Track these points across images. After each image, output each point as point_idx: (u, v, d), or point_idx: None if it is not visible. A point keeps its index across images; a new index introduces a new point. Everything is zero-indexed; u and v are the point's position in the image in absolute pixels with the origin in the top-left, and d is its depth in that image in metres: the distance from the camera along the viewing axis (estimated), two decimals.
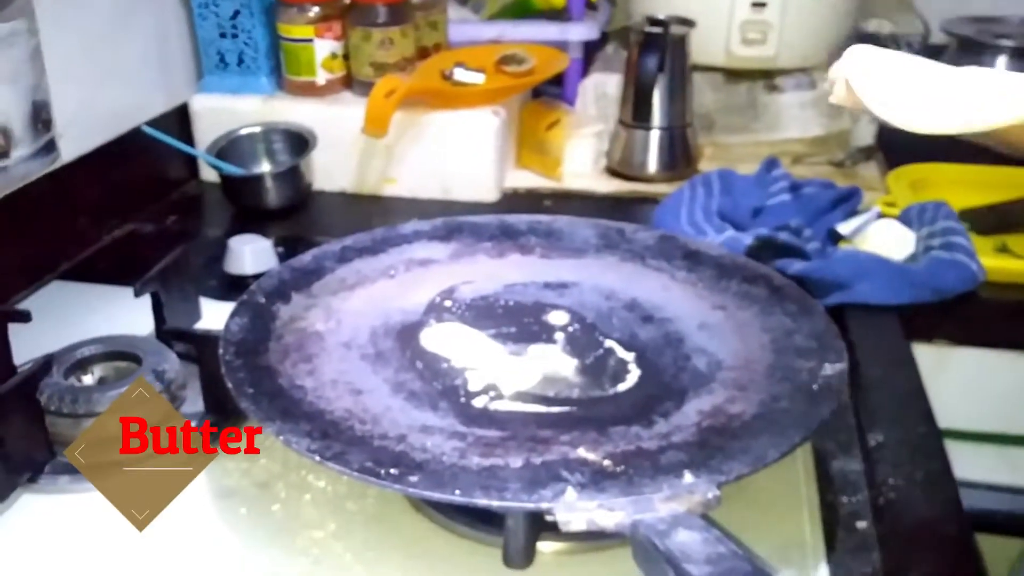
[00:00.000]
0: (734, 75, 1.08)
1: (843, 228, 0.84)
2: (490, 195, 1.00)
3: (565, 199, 1.01)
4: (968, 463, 0.63)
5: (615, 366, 0.59)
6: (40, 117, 0.82)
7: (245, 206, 0.97)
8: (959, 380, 0.76)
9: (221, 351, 0.56)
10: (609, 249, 0.71)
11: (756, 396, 0.54)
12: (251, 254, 0.81)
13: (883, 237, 0.82)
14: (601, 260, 0.71)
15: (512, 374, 0.58)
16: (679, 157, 1.03)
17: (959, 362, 0.77)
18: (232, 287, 0.80)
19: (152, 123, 0.96)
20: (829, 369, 0.55)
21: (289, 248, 0.85)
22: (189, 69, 1.05)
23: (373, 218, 0.97)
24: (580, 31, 1.10)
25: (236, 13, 1.00)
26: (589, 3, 1.12)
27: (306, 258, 0.68)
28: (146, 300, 0.69)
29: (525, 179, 1.04)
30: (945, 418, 0.63)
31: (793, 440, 0.49)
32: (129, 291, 0.69)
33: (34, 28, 0.81)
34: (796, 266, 0.76)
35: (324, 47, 0.99)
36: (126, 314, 0.71)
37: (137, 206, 0.96)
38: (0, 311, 0.68)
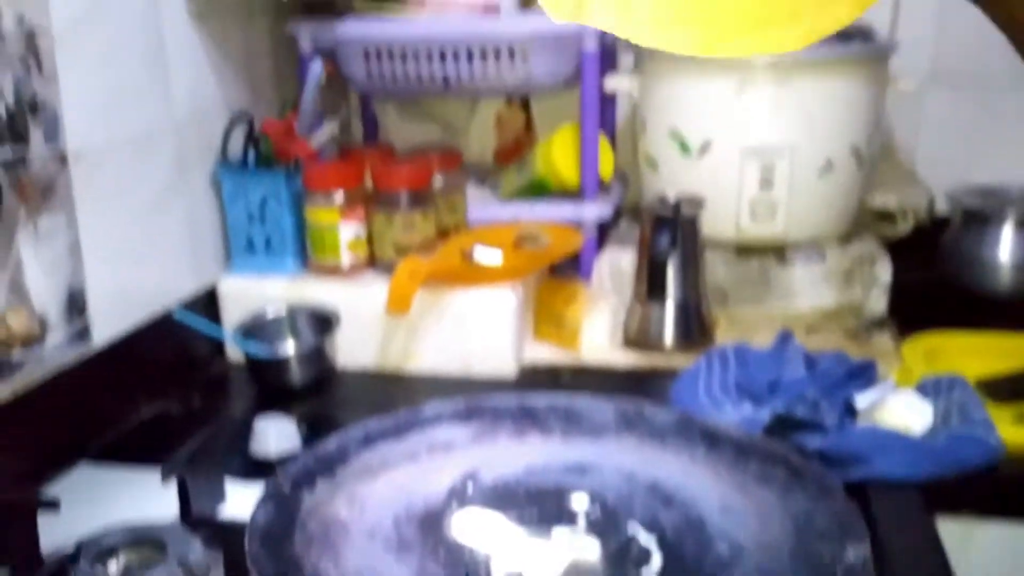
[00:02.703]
0: (745, 250, 1.11)
1: (860, 402, 0.85)
2: (509, 370, 1.01)
3: (583, 373, 1.02)
4: None
5: (638, 551, 0.59)
6: (75, 304, 0.86)
7: (270, 386, 0.99)
8: (986, 554, 0.75)
9: (247, 542, 0.57)
10: (629, 429, 0.72)
11: None
12: (275, 435, 0.82)
13: (901, 410, 0.83)
14: (621, 441, 0.71)
15: (536, 561, 0.58)
16: (695, 330, 1.05)
17: (985, 536, 0.76)
18: (257, 468, 0.81)
19: (181, 305, 0.99)
20: (852, 555, 0.55)
21: (313, 428, 0.86)
22: (218, 252, 1.10)
23: (395, 395, 0.99)
24: (594, 210, 1.14)
25: (265, 200, 1.05)
26: (602, 183, 1.17)
27: (330, 444, 0.69)
28: (171, 481, 0.70)
29: (543, 353, 1.06)
30: None
31: None
32: (154, 473, 0.70)
33: (74, 220, 0.85)
34: (815, 441, 0.76)
35: (349, 230, 1.03)
36: (153, 495, 0.72)
37: (164, 387, 0.98)
38: (30, 501, 0.69)
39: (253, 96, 1.16)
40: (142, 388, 0.95)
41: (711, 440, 0.69)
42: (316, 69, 1.03)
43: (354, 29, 1.13)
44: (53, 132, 0.82)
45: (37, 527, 0.66)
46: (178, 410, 0.95)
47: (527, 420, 0.74)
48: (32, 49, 0.79)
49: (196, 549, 0.65)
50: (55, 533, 0.66)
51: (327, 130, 1.10)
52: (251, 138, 1.08)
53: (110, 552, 0.66)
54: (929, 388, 0.85)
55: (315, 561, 0.56)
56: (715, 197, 1.06)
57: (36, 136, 0.80)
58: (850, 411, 0.85)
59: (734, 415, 0.82)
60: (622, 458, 0.69)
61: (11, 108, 0.77)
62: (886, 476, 0.75)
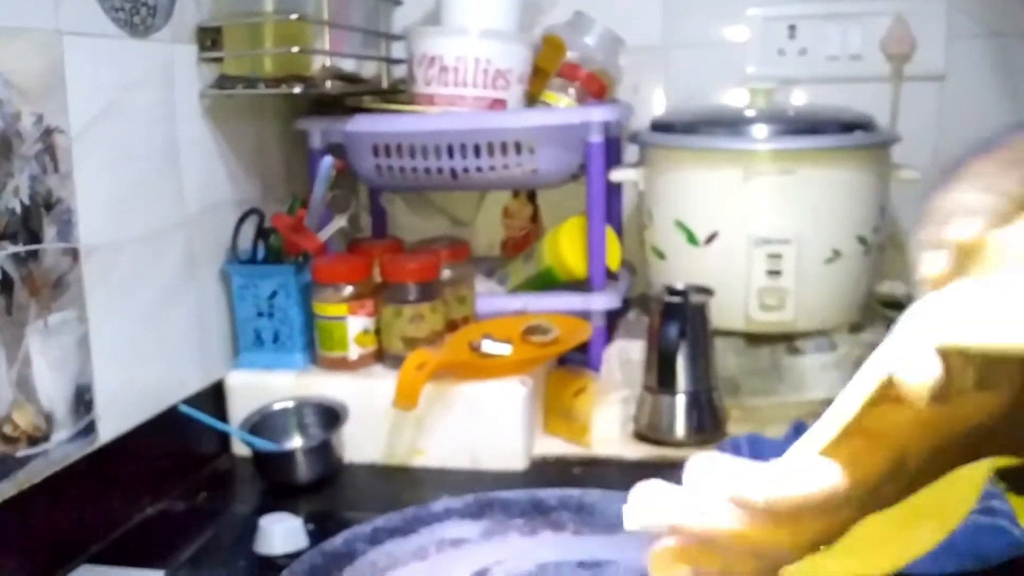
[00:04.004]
0: (755, 339, 1.11)
1: None
2: (519, 464, 1.00)
3: (594, 466, 1.00)
4: None
5: None
6: (82, 400, 0.85)
7: (276, 481, 0.97)
8: None
9: None
10: None
11: None
12: (281, 534, 0.80)
13: None
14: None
15: None
16: (707, 421, 1.04)
17: None
18: (262, 567, 0.79)
19: (188, 400, 0.99)
20: None
21: (319, 525, 0.85)
22: (226, 347, 1.09)
23: (403, 491, 0.97)
24: (602, 301, 1.14)
25: (274, 294, 1.05)
26: (609, 273, 1.17)
27: (337, 541, 0.68)
28: None
29: (553, 446, 1.04)
30: None
31: None
32: (157, 574, 0.68)
33: (84, 316, 0.85)
34: None
35: (357, 324, 1.03)
36: None
37: (169, 483, 0.97)
38: None
39: (263, 191, 1.18)
40: (146, 485, 0.94)
41: None
42: (326, 164, 1.04)
43: (363, 125, 1.15)
44: (67, 228, 0.83)
45: None
46: (182, 507, 0.94)
47: (538, 515, 0.73)
48: (49, 148, 0.80)
49: None
50: None
51: (336, 224, 1.11)
52: (261, 233, 1.09)
53: None
54: None
55: None
56: (723, 286, 1.06)
57: (49, 232, 0.81)
58: None
59: None
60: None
61: (26, 205, 0.78)
62: (906, 571, 0.73)
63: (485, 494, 0.74)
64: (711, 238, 1.10)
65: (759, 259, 1.07)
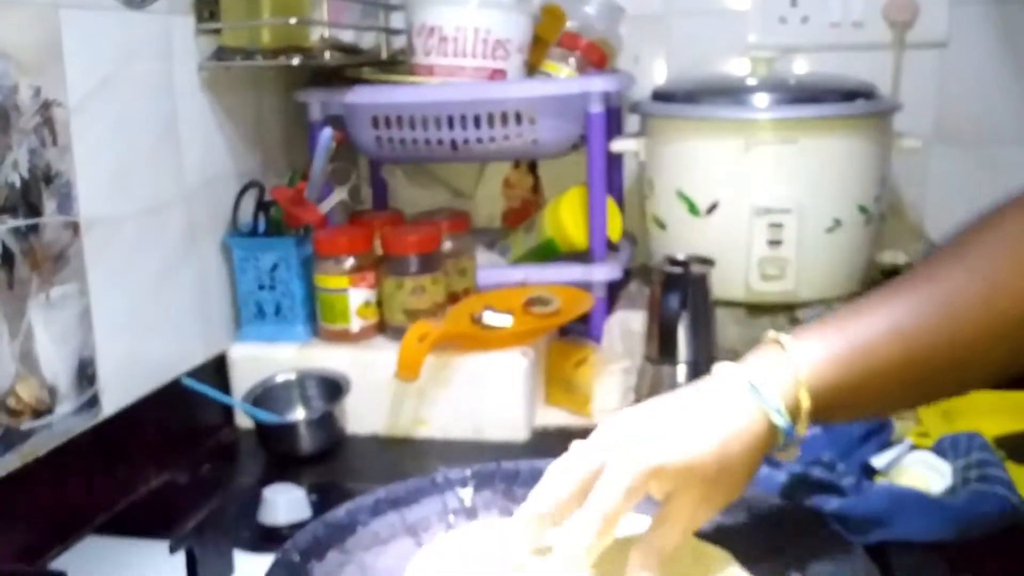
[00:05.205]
0: (756, 309, 1.11)
1: (877, 462, 0.83)
2: (521, 434, 1.00)
3: None
4: None
5: None
6: (85, 373, 0.85)
7: (279, 453, 0.98)
8: None
9: None
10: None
11: None
12: (285, 504, 0.81)
13: (919, 470, 0.81)
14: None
15: None
16: None
17: None
18: (266, 537, 0.79)
19: (191, 373, 0.99)
20: None
21: (322, 496, 0.85)
22: (228, 319, 1.10)
23: (405, 461, 0.98)
24: (603, 272, 1.14)
25: (275, 266, 1.05)
26: (610, 244, 1.17)
27: (340, 512, 0.68)
28: (179, 553, 0.69)
29: (555, 417, 1.05)
30: None
31: None
32: (162, 544, 0.69)
33: (85, 289, 0.85)
34: (833, 503, 0.75)
35: (358, 296, 1.03)
36: (161, 568, 0.71)
37: (173, 455, 0.97)
38: (35, 573, 0.68)
39: (263, 164, 1.18)
40: (151, 457, 0.94)
41: None
42: (326, 136, 1.04)
43: (363, 96, 1.15)
44: (66, 202, 0.83)
45: None
46: (187, 479, 0.95)
47: None
48: (47, 121, 0.80)
49: None
50: None
51: (336, 196, 1.10)
52: (261, 205, 1.09)
53: None
54: (947, 447, 0.84)
55: None
56: (724, 256, 1.06)
57: (49, 206, 0.81)
58: (868, 472, 0.84)
59: None
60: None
61: (25, 178, 0.78)
62: (906, 538, 0.73)
63: (486, 465, 0.75)
64: (712, 208, 1.09)
65: (760, 229, 1.07)
